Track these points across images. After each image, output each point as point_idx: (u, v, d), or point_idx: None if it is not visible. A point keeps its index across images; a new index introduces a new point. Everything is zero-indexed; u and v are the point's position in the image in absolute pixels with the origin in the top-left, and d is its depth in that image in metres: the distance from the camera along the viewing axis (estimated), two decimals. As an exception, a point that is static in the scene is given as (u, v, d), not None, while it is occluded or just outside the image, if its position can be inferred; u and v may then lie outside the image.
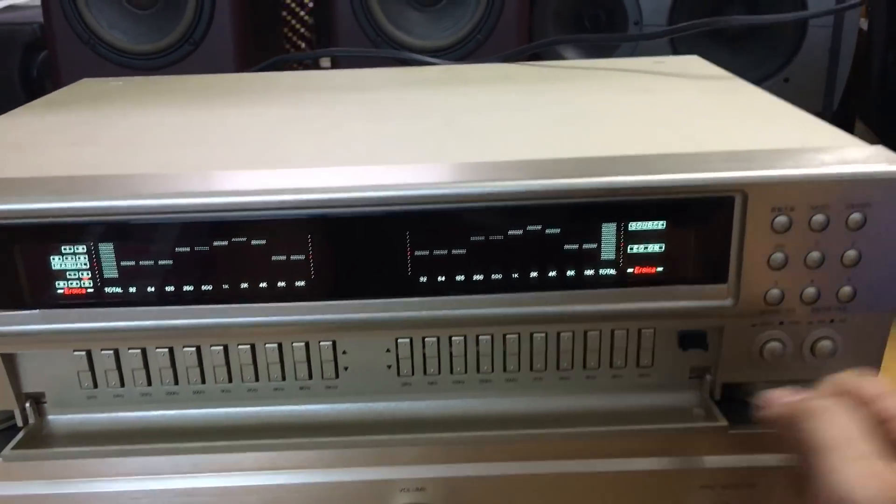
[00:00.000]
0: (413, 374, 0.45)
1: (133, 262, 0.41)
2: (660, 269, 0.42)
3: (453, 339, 0.44)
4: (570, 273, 0.42)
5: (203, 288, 0.42)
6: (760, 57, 1.08)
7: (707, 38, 1.07)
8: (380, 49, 0.99)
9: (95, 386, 0.45)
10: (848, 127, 1.12)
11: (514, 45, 1.01)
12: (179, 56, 1.02)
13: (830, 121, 0.48)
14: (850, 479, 0.33)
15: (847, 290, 0.42)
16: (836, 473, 0.33)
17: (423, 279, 0.42)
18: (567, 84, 0.64)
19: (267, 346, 0.44)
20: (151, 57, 1.02)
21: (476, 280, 0.42)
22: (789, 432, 0.36)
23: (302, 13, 1.26)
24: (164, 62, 1.02)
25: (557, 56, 1.07)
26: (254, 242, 0.41)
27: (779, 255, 0.41)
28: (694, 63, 0.70)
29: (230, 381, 0.45)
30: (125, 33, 1.03)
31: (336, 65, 1.07)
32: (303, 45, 1.29)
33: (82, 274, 0.41)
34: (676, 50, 1.02)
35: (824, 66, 1.04)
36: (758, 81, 1.07)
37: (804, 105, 0.53)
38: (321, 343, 0.44)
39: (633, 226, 0.42)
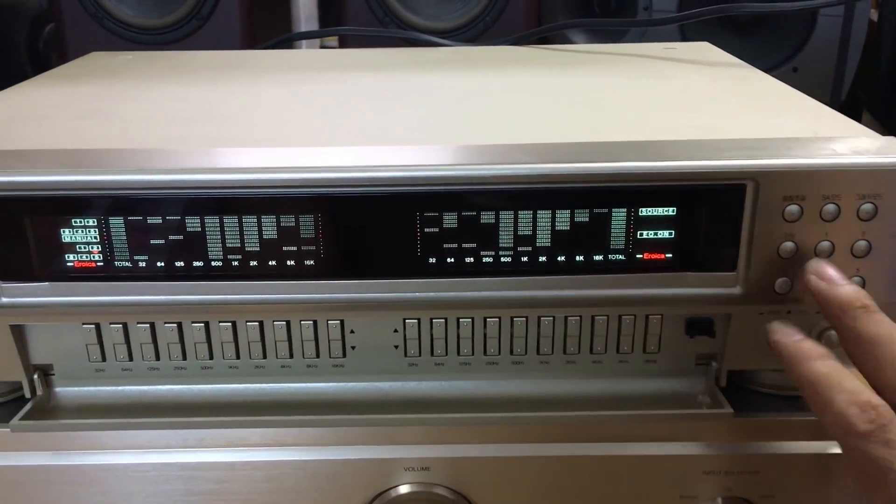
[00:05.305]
0: (420, 354, 0.45)
1: (143, 237, 0.41)
2: (669, 255, 0.42)
3: (461, 320, 0.44)
4: (579, 258, 0.42)
5: (213, 264, 0.42)
6: (770, 46, 1.08)
7: (716, 26, 1.06)
8: (387, 29, 0.99)
9: (104, 359, 0.45)
10: (855, 117, 1.12)
11: (523, 28, 1.00)
12: (187, 32, 1.02)
13: (838, 111, 0.48)
14: (841, 411, 0.35)
15: (856, 280, 0.42)
16: (829, 406, 0.36)
17: (432, 260, 0.42)
18: (577, 68, 0.64)
19: (275, 323, 0.44)
20: (158, 32, 1.02)
21: (485, 262, 0.42)
22: (790, 372, 0.39)
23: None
24: (171, 37, 1.02)
25: (566, 40, 1.07)
26: (263, 220, 0.41)
27: (789, 244, 0.41)
28: (705, 50, 0.70)
29: (238, 357, 0.45)
30: (132, 8, 1.02)
31: (344, 44, 1.06)
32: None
33: (92, 247, 0.41)
34: (685, 37, 1.02)
35: (833, 56, 1.03)
36: (766, 70, 1.06)
37: (812, 95, 0.53)
38: (329, 322, 0.44)
39: (644, 212, 0.42)
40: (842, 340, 0.39)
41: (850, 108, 1.10)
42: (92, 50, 0.75)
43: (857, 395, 0.36)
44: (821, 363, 0.38)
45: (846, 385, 0.36)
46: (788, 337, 0.40)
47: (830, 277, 0.40)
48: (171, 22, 1.01)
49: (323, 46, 1.26)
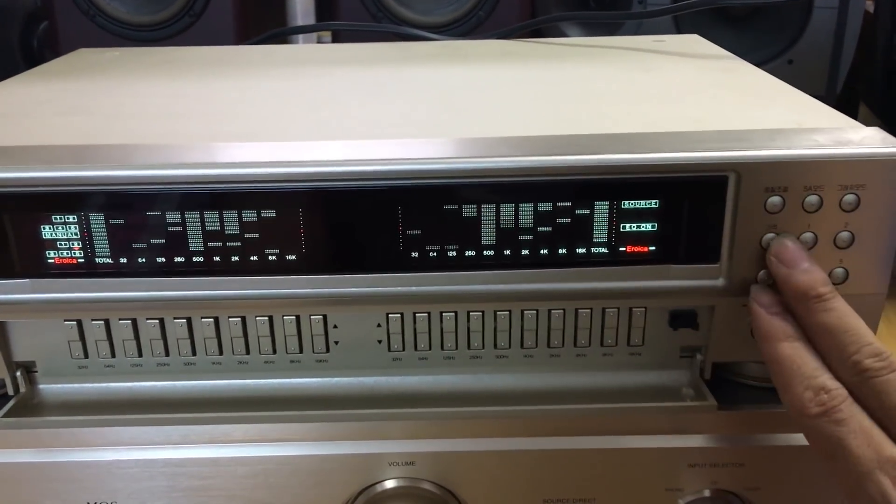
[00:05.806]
0: (404, 349, 0.45)
1: (123, 232, 0.41)
2: (652, 247, 0.42)
3: (444, 314, 0.44)
4: (562, 251, 0.42)
5: (194, 260, 0.42)
6: (764, 38, 1.07)
7: (711, 19, 1.06)
8: (380, 24, 0.99)
9: (86, 356, 0.45)
10: (851, 110, 1.11)
11: (516, 22, 1.00)
12: (179, 28, 1.02)
13: (834, 104, 0.48)
14: (797, 395, 0.38)
15: (839, 271, 0.41)
16: (787, 388, 0.38)
17: (415, 254, 0.42)
18: (565, 61, 0.64)
19: (258, 318, 0.44)
20: (151, 28, 1.02)
21: (468, 256, 0.42)
22: (758, 346, 0.41)
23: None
24: (164, 34, 1.02)
25: (561, 34, 1.07)
26: (245, 215, 0.41)
27: (771, 236, 0.41)
28: (694, 42, 0.70)
29: (221, 353, 0.45)
30: (125, 4, 1.02)
31: (337, 39, 1.06)
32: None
33: (73, 244, 0.41)
34: (680, 30, 1.02)
35: (829, 48, 1.02)
36: (761, 63, 1.06)
37: (807, 87, 0.52)
38: (312, 317, 0.44)
39: (626, 204, 0.41)
40: (800, 325, 0.40)
41: (847, 100, 1.09)
42: (85, 47, 0.75)
43: (813, 380, 0.38)
44: (786, 345, 0.39)
45: (804, 370, 0.38)
46: (765, 307, 0.40)
47: (789, 261, 0.40)
48: (163, 19, 1.01)
49: (320, 41, 1.26)
